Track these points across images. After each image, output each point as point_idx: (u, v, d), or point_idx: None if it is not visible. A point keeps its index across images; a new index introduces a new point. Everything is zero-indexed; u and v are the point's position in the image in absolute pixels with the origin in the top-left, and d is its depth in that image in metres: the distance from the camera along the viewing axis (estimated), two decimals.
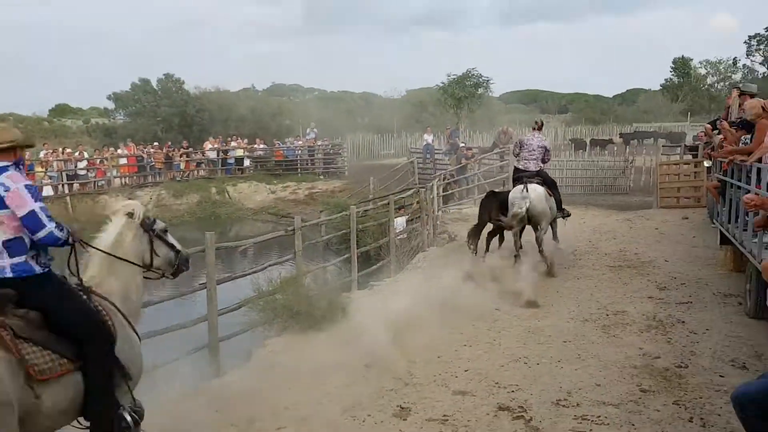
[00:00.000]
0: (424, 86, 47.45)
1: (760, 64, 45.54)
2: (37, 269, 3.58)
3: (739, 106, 10.30)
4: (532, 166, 9.80)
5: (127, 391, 3.84)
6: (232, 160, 28.27)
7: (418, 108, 43.71)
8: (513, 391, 5.34)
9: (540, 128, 10.33)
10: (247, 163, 28.71)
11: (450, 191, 18.16)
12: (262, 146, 30.11)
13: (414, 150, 26.57)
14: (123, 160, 25.64)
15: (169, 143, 28.84)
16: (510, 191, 9.94)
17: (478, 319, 7.40)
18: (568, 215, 10.51)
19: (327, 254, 14.66)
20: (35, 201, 3.49)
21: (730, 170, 8.63)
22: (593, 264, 10.23)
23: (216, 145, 28.34)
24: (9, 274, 3.49)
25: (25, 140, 3.75)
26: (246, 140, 30.36)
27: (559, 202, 10.02)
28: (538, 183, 9.59)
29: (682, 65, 52.45)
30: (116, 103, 37.18)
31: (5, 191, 3.46)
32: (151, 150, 26.84)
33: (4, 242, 3.49)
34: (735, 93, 12.14)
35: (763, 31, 44.31)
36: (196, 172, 27.71)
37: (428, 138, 25.60)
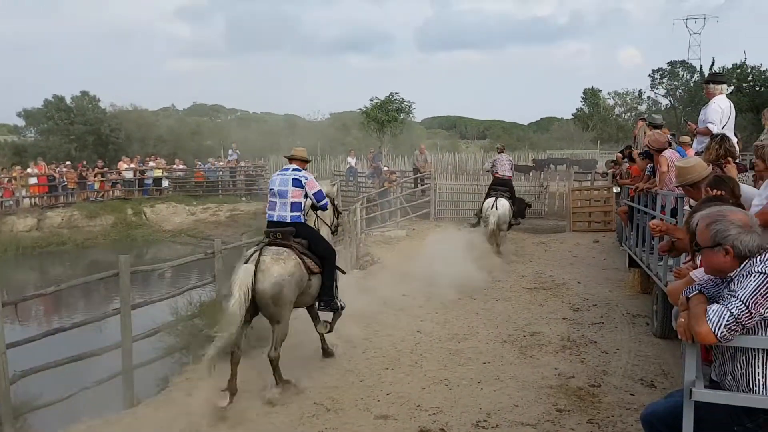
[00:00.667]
0: (348, 110, 47.80)
1: (663, 96, 48.43)
2: (302, 219, 6.48)
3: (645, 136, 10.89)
4: (508, 172, 13.35)
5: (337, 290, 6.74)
6: (149, 181, 27.45)
7: (341, 131, 43.91)
8: (434, 414, 5.38)
9: (503, 150, 14.15)
10: (165, 183, 27.95)
11: (373, 214, 18.28)
12: (181, 167, 29.42)
13: (337, 173, 26.62)
14: (33, 180, 24.43)
15: (84, 162, 27.76)
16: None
17: (400, 342, 7.44)
18: (518, 223, 13.49)
19: None
20: (318, 185, 6.58)
21: (637, 196, 9.11)
22: (511, 286, 10.51)
23: (132, 165, 27.47)
24: (289, 220, 6.38)
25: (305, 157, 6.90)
26: (164, 160, 29.59)
27: (521, 210, 13.71)
28: (504, 196, 12.87)
29: (592, 96, 55.16)
30: (27, 120, 35.47)
31: (305, 180, 6.48)
32: (64, 169, 25.71)
33: (291, 204, 6.38)
34: (641, 124, 12.87)
35: (665, 66, 47.21)
36: (111, 192, 26.73)
37: (351, 161, 25.76)
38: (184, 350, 7.38)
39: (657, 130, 8.38)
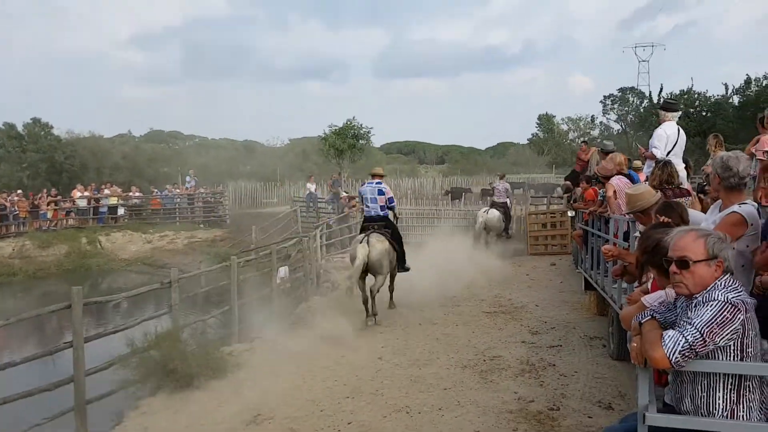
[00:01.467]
0: (307, 135, 47.89)
1: (614, 121, 49.81)
2: (383, 213, 10.27)
3: (597, 163, 11.21)
4: (503, 199, 16.38)
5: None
6: (104, 209, 26.92)
7: (300, 157, 43.93)
8: None
9: (503, 177, 17.38)
10: (121, 211, 27.45)
11: (333, 240, 18.24)
12: (137, 194, 28.95)
13: (297, 199, 26.54)
14: None
15: (45, 191, 27.08)
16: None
17: (360, 369, 7.40)
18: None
19: (207, 306, 14.18)
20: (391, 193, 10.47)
21: (591, 220, 9.31)
22: (470, 311, 10.57)
23: (87, 193, 26.92)
24: (381, 213, 10.27)
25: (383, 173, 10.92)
26: (120, 188, 29.10)
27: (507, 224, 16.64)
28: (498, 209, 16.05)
29: (546, 121, 56.45)
30: None
31: (385, 190, 10.34)
32: (15, 198, 25.03)
33: (380, 206, 10.25)
34: (586, 148, 13.41)
35: (616, 92, 48.64)
36: (65, 221, 26.10)
37: (311, 187, 25.73)
38: (139, 383, 7.21)
39: (607, 158, 8.61)
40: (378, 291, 10.01)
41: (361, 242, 9.84)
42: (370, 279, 10.03)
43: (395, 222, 10.90)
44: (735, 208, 3.84)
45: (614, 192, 7.42)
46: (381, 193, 10.26)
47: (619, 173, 7.77)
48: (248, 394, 6.74)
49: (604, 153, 11.10)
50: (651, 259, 3.36)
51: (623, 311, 3.68)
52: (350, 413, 6.07)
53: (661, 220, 4.00)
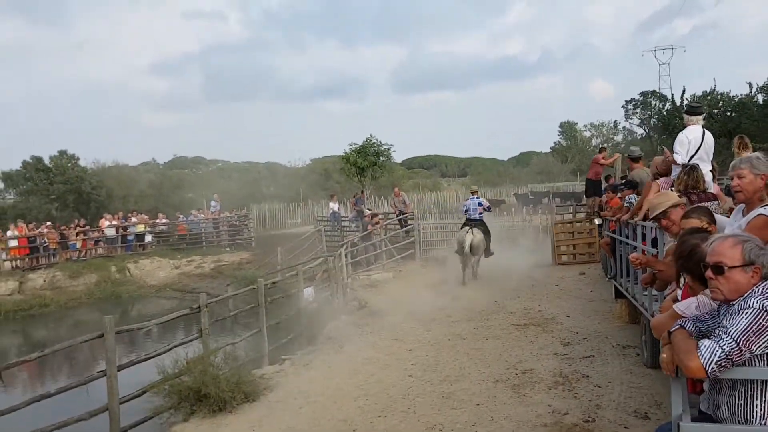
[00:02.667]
0: (328, 154, 48.19)
1: (637, 126, 49.30)
2: (479, 217, 15.12)
3: (630, 169, 11.07)
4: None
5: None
6: (132, 237, 27.30)
7: (323, 176, 44.16)
8: None
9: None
10: (148, 238, 27.81)
11: (358, 258, 18.27)
12: (164, 221, 29.32)
13: (320, 218, 26.66)
14: (13, 242, 24.22)
15: (73, 222, 27.52)
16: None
17: (391, 387, 7.36)
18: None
19: (236, 329, 14.28)
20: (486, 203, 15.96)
21: (618, 228, 9.20)
22: (500, 324, 10.48)
23: (115, 222, 27.33)
24: (478, 218, 15.05)
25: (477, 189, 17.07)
26: (147, 215, 29.49)
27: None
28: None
29: (568, 129, 56.06)
30: (5, 183, 35.38)
31: (482, 201, 15.57)
32: (44, 230, 25.49)
33: (479, 213, 15.10)
34: (617, 156, 13.21)
35: (637, 96, 48.21)
36: (94, 250, 26.51)
37: (334, 206, 25.81)
38: (172, 410, 7.26)
39: (659, 157, 8.43)
40: (476, 266, 14.82)
41: (467, 232, 14.40)
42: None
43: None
44: (761, 210, 3.78)
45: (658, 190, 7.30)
46: (480, 204, 15.19)
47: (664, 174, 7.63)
48: (280, 417, 6.75)
49: (631, 159, 11.00)
50: (686, 264, 3.32)
51: (655, 319, 3.63)
52: None
53: (690, 222, 3.93)
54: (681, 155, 7.17)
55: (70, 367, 14.29)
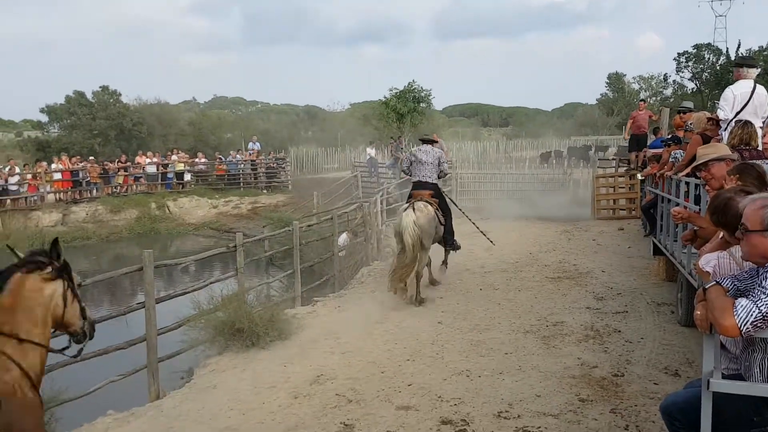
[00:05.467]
0: (368, 100, 47.81)
1: (689, 80, 47.54)
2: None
3: (678, 125, 10.72)
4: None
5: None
6: (171, 175, 27.72)
7: (361, 122, 43.91)
8: (455, 405, 5.37)
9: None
10: (187, 177, 28.20)
11: (393, 205, 18.26)
12: (203, 160, 29.65)
13: (358, 164, 26.64)
14: (57, 175, 24.81)
15: (113, 159, 28.02)
16: None
17: (420, 333, 7.43)
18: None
19: (271, 270, 14.51)
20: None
21: (662, 183, 8.98)
22: (533, 276, 10.43)
23: (155, 159, 27.74)
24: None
25: None
26: (187, 154, 29.83)
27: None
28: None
29: (616, 80, 54.28)
30: (50, 116, 35.89)
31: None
32: (87, 164, 26.02)
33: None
34: (665, 110, 12.75)
35: (691, 49, 46.35)
36: (134, 186, 27.02)
37: (371, 152, 25.73)
38: (207, 343, 7.46)
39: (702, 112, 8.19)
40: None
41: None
42: None
43: None
44: None
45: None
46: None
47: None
48: (311, 356, 6.89)
49: (682, 113, 10.65)
50: (719, 218, 3.24)
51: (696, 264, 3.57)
52: (410, 375, 6.13)
53: (733, 180, 3.81)
54: (725, 111, 6.89)
55: (110, 298, 14.77)
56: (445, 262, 9.94)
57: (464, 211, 11.17)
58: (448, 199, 10.01)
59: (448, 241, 9.52)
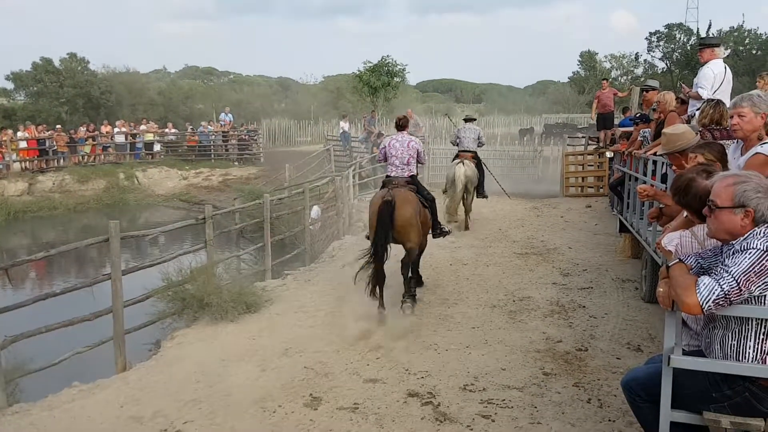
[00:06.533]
0: (341, 73, 47.36)
1: (659, 59, 47.94)
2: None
3: (643, 103, 10.79)
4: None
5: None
6: (141, 145, 27.26)
7: (335, 95, 43.55)
8: (422, 378, 5.44)
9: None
10: (157, 147, 27.78)
11: (366, 179, 18.23)
12: (173, 131, 29.18)
13: (330, 137, 26.47)
14: (23, 144, 24.23)
15: (80, 128, 27.42)
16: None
17: (389, 307, 7.46)
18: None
19: (241, 242, 14.44)
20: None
21: (629, 161, 9.09)
22: (502, 251, 10.54)
23: (124, 129, 27.23)
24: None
25: None
26: (156, 124, 29.32)
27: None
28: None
29: (588, 59, 54.51)
30: (15, 84, 34.93)
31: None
32: (54, 133, 25.41)
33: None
34: (634, 89, 12.82)
35: (662, 29, 46.68)
36: (102, 156, 26.53)
37: (344, 125, 25.56)
38: (175, 315, 7.42)
39: (667, 91, 8.23)
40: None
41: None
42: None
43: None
44: (758, 149, 3.74)
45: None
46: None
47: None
48: (280, 329, 6.90)
49: (646, 92, 10.72)
50: (681, 198, 3.29)
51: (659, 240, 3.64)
52: (378, 349, 6.17)
53: (696, 158, 3.87)
54: (706, 89, 6.97)
55: (76, 269, 14.58)
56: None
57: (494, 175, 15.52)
58: (483, 165, 13.11)
59: (480, 192, 12.68)
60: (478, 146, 12.68)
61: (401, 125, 8.00)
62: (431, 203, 7.98)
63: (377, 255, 7.08)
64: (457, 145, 12.77)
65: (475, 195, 12.45)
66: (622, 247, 9.93)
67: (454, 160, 12.71)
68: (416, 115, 23.10)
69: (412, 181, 7.73)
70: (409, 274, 7.43)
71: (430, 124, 34.78)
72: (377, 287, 7.18)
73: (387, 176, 7.85)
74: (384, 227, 7.04)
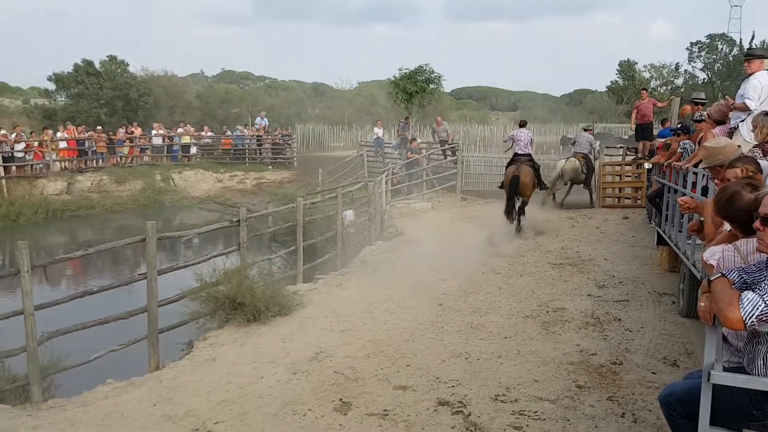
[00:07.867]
0: (376, 79, 47.51)
1: (700, 70, 47.05)
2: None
3: (681, 114, 10.65)
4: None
5: None
6: (177, 147, 27.67)
7: (369, 101, 43.65)
8: (453, 386, 5.39)
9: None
10: (193, 150, 28.14)
11: (398, 185, 18.23)
12: (209, 134, 29.57)
13: (364, 143, 26.53)
14: (63, 144, 24.76)
15: (119, 130, 27.94)
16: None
17: (421, 315, 7.44)
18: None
19: (273, 246, 14.53)
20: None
21: (669, 173, 8.92)
22: (536, 261, 10.42)
23: (161, 131, 27.68)
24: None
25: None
26: (193, 127, 29.73)
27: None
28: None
29: (627, 68, 53.72)
30: (57, 85, 35.69)
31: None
32: (93, 134, 25.93)
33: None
34: (674, 99, 12.61)
35: (704, 39, 45.86)
36: (140, 158, 26.98)
37: (378, 131, 25.59)
38: (208, 316, 7.49)
39: (718, 104, 8.07)
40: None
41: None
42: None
43: None
44: None
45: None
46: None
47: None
48: (311, 332, 6.91)
49: (694, 105, 10.57)
50: (725, 211, 3.19)
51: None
52: (409, 356, 6.14)
53: (742, 171, 3.77)
54: (753, 100, 6.79)
55: (113, 268, 14.83)
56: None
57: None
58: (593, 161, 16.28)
59: (587, 182, 16.07)
60: (588, 152, 16.12)
61: (522, 124, 13.39)
62: (538, 171, 12.84)
63: (509, 201, 12.39)
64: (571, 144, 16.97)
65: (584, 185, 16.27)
66: (660, 260, 9.74)
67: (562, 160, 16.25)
68: (445, 122, 23.25)
69: (530, 158, 12.67)
70: (522, 213, 12.47)
71: (464, 131, 34.64)
72: (510, 213, 12.38)
73: (516, 154, 12.66)
74: (513, 189, 12.25)
